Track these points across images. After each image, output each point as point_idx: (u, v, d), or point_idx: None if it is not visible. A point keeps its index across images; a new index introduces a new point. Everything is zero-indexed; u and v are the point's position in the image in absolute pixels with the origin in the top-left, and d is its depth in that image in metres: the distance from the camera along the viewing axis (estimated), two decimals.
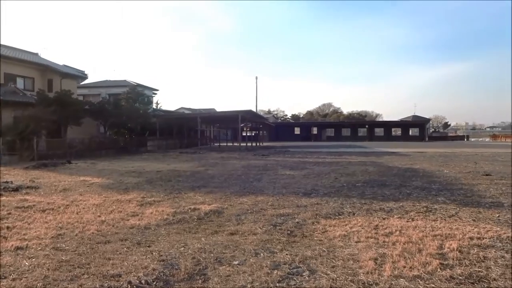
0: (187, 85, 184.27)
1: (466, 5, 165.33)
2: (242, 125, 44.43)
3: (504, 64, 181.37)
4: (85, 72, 35.81)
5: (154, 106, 44.69)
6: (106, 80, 48.14)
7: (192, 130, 46.47)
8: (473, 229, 5.74)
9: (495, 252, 4.66)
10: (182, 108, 68.05)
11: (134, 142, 31.99)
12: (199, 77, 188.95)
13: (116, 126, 32.42)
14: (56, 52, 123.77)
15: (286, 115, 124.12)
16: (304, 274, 4.00)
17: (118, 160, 21.45)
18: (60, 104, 24.56)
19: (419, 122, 79.28)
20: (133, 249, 4.87)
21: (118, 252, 4.75)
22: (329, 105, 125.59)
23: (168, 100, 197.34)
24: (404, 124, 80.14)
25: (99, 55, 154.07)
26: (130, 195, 9.24)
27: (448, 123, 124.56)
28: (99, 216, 6.84)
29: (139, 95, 34.61)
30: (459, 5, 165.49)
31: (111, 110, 30.66)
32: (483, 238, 5.24)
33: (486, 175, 13.16)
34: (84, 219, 6.57)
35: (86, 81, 39.53)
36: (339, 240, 5.22)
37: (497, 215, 6.79)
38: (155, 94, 49.36)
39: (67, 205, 7.92)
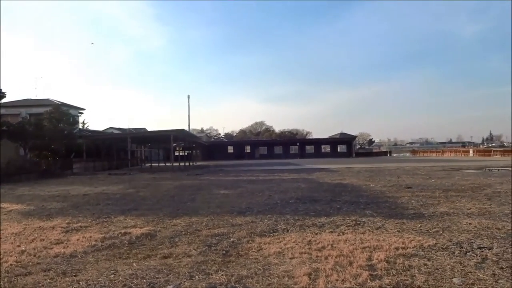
0: (116, 104, 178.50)
1: (391, 28, 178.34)
2: (174, 144, 43.73)
3: (420, 84, 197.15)
4: (3, 90, 33.29)
5: (80, 126, 42.61)
6: (27, 99, 45.11)
7: (122, 151, 44.79)
8: (398, 240, 6.08)
9: (418, 260, 4.97)
10: (111, 128, 65.53)
11: (59, 165, 30.07)
12: (129, 96, 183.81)
13: (38, 148, 30.36)
14: None
15: (219, 134, 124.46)
16: None
17: (40, 185, 20.02)
18: None
19: (346, 139, 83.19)
20: (57, 280, 4.53)
21: (40, 285, 4.39)
22: (262, 123, 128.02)
23: (95, 120, 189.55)
24: (333, 142, 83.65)
25: (19, 72, 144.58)
26: (53, 221, 8.64)
27: (373, 140, 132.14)
28: (19, 246, 6.30)
29: (63, 114, 32.78)
30: (385, 28, 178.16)
31: (32, 131, 28.66)
32: (408, 248, 5.57)
33: (408, 188, 14.08)
34: (1, 250, 6.01)
35: (3, 100, 36.72)
36: (274, 257, 5.26)
37: (419, 226, 7.26)
38: (81, 113, 47.04)
39: None
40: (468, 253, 5.27)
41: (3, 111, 39.47)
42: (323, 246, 5.81)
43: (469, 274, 4.42)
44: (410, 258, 5.06)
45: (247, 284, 4.22)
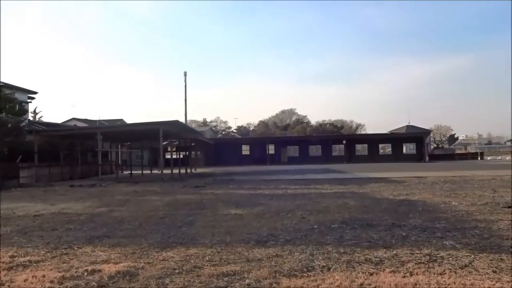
0: (80, 88, 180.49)
1: None
2: (165, 143, 44.05)
3: None
4: None
5: (30, 117, 43.36)
6: None
7: (91, 152, 45.42)
8: (495, 285, 5.94)
9: None
10: (74, 119, 66.64)
11: None
12: (98, 77, 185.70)
13: None
14: None
15: (230, 128, 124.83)
16: None
17: None
18: None
19: (415, 135, 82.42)
20: None
21: None
22: (291, 112, 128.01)
23: (52, 108, 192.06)
24: (396, 138, 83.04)
25: None
26: None
27: (455, 136, 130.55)
28: None
29: (6, 100, 33.40)
30: None
31: None
32: None
33: (509, 207, 13.79)
34: None
35: None
36: None
37: None
38: (32, 99, 47.96)
39: None
40: None
41: None
42: None
43: None
44: None
45: None
